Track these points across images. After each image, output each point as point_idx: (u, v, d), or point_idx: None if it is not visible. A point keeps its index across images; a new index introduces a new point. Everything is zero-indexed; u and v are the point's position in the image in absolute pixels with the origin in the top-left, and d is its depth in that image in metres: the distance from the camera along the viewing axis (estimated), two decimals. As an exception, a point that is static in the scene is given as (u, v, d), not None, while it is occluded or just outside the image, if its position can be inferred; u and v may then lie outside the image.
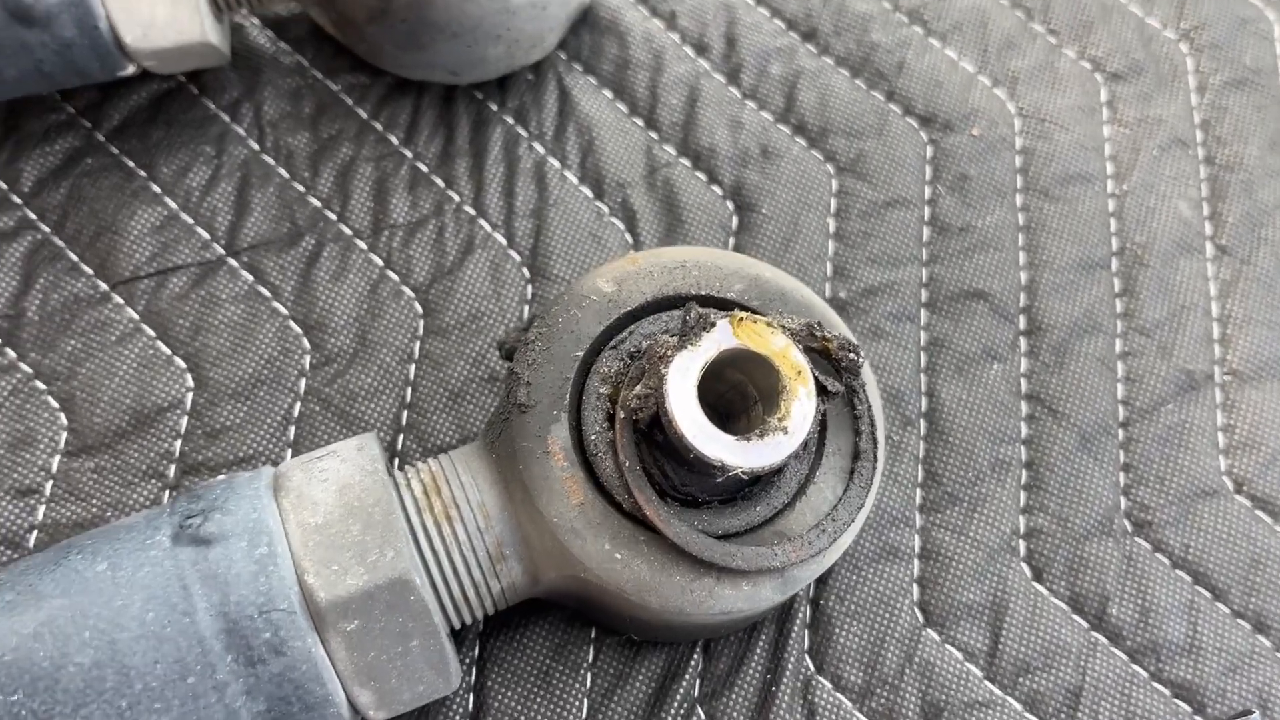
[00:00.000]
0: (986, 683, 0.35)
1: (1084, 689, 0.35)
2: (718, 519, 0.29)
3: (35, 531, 0.35)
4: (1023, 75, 0.43)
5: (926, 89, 0.42)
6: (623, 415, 0.28)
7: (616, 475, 0.29)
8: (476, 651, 0.35)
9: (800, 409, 0.27)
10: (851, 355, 0.29)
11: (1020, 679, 0.36)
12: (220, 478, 0.31)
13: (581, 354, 0.30)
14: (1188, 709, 0.35)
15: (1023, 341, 0.39)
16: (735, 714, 0.34)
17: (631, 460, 0.28)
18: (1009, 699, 0.35)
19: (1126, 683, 0.36)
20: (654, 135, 0.41)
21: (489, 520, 0.30)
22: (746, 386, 0.29)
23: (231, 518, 0.29)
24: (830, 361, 0.29)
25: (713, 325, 0.27)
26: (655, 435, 0.28)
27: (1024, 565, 0.37)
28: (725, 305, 0.30)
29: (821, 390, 0.28)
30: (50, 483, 0.36)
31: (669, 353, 0.27)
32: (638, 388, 0.27)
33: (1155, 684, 0.36)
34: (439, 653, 0.29)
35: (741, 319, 0.27)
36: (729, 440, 0.26)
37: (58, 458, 0.36)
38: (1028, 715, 0.35)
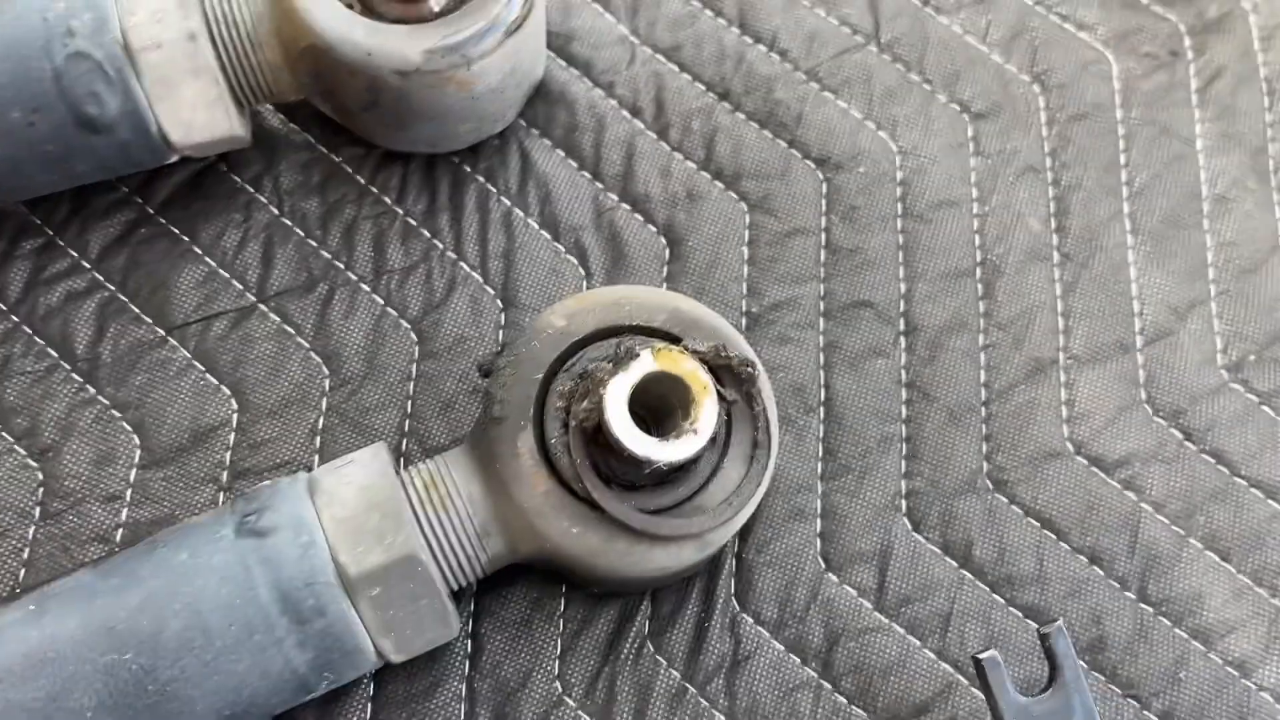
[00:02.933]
0: (875, 613, 0.44)
1: (953, 614, 0.44)
2: (650, 498, 0.37)
3: (120, 529, 0.44)
4: (902, 119, 0.51)
5: (821, 136, 0.51)
6: (574, 423, 0.36)
7: (571, 469, 0.36)
8: (472, 607, 0.43)
9: (706, 414, 0.35)
10: (748, 369, 0.37)
11: (903, 609, 0.44)
12: (266, 483, 0.39)
13: (541, 376, 0.38)
14: (1036, 625, 0.44)
15: (902, 340, 0.48)
16: (677, 646, 0.43)
17: (582, 458, 0.36)
18: (894, 625, 0.44)
19: (988, 608, 0.44)
20: (599, 185, 0.49)
21: (475, 506, 0.38)
22: (668, 398, 0.36)
23: (279, 514, 0.36)
24: (732, 375, 0.37)
25: (638, 355, 0.34)
26: (599, 439, 0.36)
27: (905, 519, 0.45)
28: (652, 333, 0.38)
29: (721, 398, 0.36)
30: (129, 490, 0.44)
31: (606, 377, 0.34)
32: (585, 403, 0.35)
33: (1010, 608, 0.44)
34: (442, 609, 0.37)
35: (660, 349, 0.35)
36: (653, 441, 0.34)
37: (134, 470, 0.44)
38: (910, 637, 0.44)
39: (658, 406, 0.37)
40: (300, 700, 0.38)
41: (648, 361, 0.34)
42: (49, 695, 0.34)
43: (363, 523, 0.36)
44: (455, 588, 0.39)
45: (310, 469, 0.41)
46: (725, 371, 0.37)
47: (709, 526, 0.37)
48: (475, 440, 0.39)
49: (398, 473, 0.39)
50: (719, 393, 0.36)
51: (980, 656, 0.37)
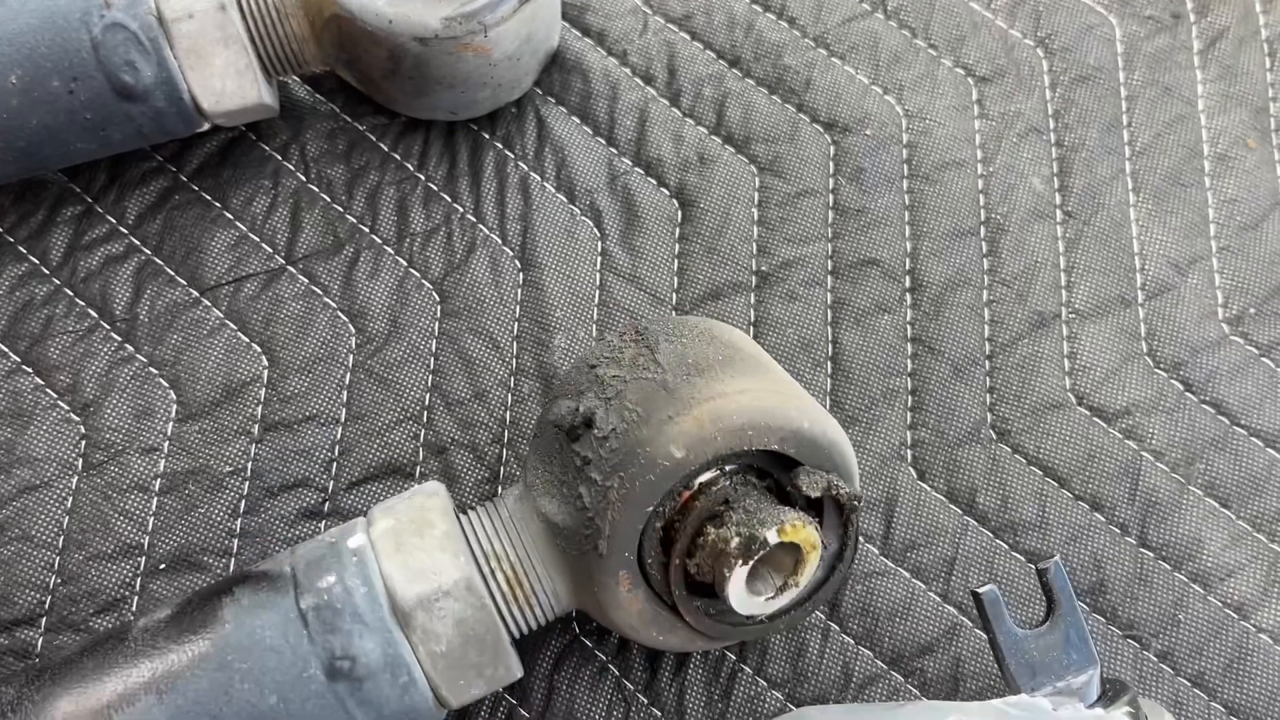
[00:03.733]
0: (882, 558, 0.46)
1: (957, 559, 0.46)
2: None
3: (158, 479, 0.46)
4: (908, 83, 0.53)
5: (829, 100, 0.52)
6: (678, 564, 0.36)
7: (666, 590, 0.36)
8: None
9: (810, 569, 0.36)
10: (854, 503, 0.36)
11: (908, 554, 0.46)
12: (333, 584, 0.36)
13: (651, 509, 0.35)
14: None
15: (908, 297, 0.49)
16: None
17: (682, 592, 0.36)
18: (899, 569, 0.45)
19: (991, 553, 0.46)
20: (613, 150, 0.51)
21: (559, 601, 0.38)
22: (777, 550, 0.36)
23: (374, 659, 0.35)
24: (836, 505, 0.37)
25: (768, 545, 0.34)
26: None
27: (910, 469, 0.47)
28: (766, 456, 0.36)
29: (824, 546, 0.37)
30: (167, 442, 0.46)
31: (732, 559, 0.34)
32: (698, 559, 0.35)
33: (1013, 553, 0.46)
34: (508, 669, 0.38)
35: (786, 530, 0.34)
36: (761, 601, 0.36)
37: (171, 423, 0.47)
38: (915, 581, 0.45)
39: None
40: None
41: (773, 538, 0.34)
42: None
43: (461, 658, 0.37)
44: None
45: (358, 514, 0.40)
46: (831, 502, 0.37)
47: (780, 631, 0.39)
48: (562, 542, 0.37)
49: (478, 563, 0.37)
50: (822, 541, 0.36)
51: (979, 591, 0.39)
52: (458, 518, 0.39)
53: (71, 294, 0.48)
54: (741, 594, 0.35)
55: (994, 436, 0.47)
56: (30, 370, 0.47)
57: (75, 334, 0.48)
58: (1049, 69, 0.53)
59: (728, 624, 0.38)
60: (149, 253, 0.49)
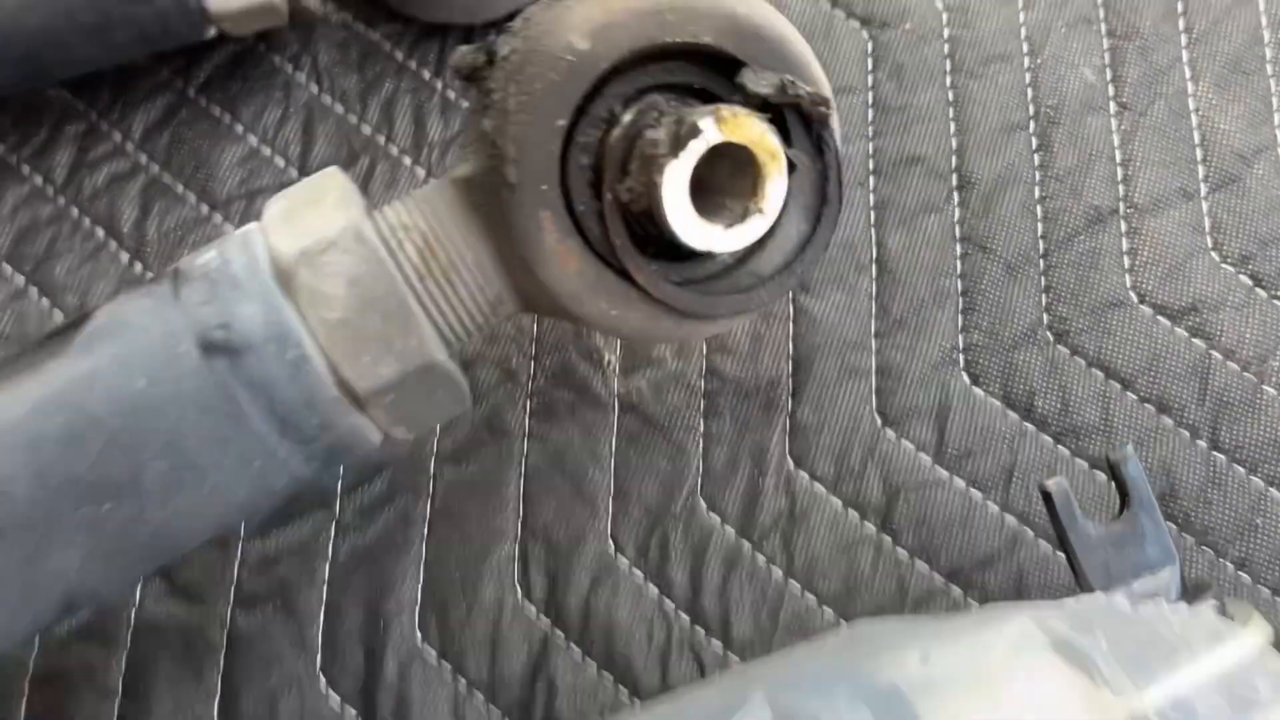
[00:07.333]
0: (936, 467, 0.43)
1: (1016, 467, 0.43)
2: (696, 266, 0.32)
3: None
4: (948, -24, 0.50)
5: (865, -6, 0.50)
6: (611, 198, 0.30)
7: (606, 243, 0.30)
8: (523, 465, 0.43)
9: (775, 189, 0.29)
10: (821, 109, 0.31)
11: (963, 462, 0.43)
12: (211, 258, 0.31)
13: (564, 123, 0.29)
14: (1102, 477, 0.43)
15: (955, 195, 0.46)
16: (730, 504, 0.42)
17: (623, 239, 0.30)
18: (955, 478, 0.43)
19: (1052, 460, 0.43)
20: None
21: (486, 277, 0.32)
22: (726, 165, 0.30)
23: (253, 326, 0.30)
24: (799, 114, 0.31)
25: (700, 132, 0.28)
26: (645, 223, 0.30)
27: (963, 374, 0.44)
28: (699, 54, 0.30)
29: (789, 165, 0.30)
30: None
31: (661, 159, 0.28)
32: (629, 182, 0.29)
33: (1076, 459, 0.43)
34: (458, 392, 0.33)
35: (724, 116, 0.28)
36: (718, 230, 0.29)
37: (182, 344, 0.45)
38: (972, 490, 0.43)
39: (709, 176, 0.30)
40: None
41: (711, 134, 0.28)
42: (24, 560, 0.30)
43: (361, 327, 0.30)
44: (459, 348, 0.34)
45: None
46: (791, 109, 0.31)
47: (768, 301, 0.32)
48: (475, 196, 0.31)
49: (373, 220, 0.32)
50: (788, 157, 0.30)
51: (1048, 485, 0.36)
52: (365, 203, 0.33)
53: (78, 212, 0.46)
54: (688, 215, 0.28)
55: (1051, 338, 0.44)
56: (37, 290, 0.45)
57: (82, 254, 0.46)
58: (1098, -43, 0.50)
59: (695, 287, 0.31)
60: (156, 169, 0.47)
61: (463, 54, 0.31)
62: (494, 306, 0.32)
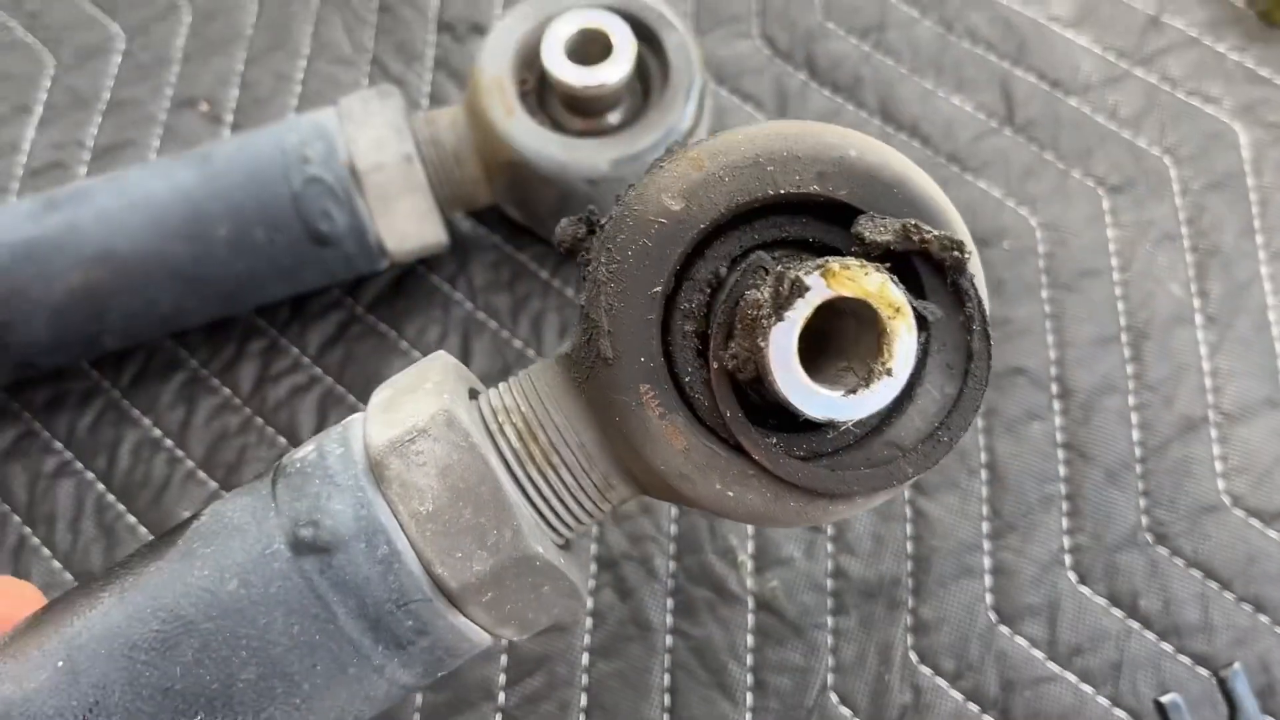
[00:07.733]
0: (1049, 663, 0.47)
1: (1124, 662, 0.46)
2: (823, 439, 0.28)
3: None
4: (1040, 196, 0.55)
5: (965, 215, 0.54)
6: (716, 366, 0.27)
7: (716, 414, 0.27)
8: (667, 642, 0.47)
9: (903, 347, 0.25)
10: (955, 254, 0.27)
11: (1074, 658, 0.47)
12: (310, 451, 0.30)
13: (660, 289, 0.27)
14: (1205, 672, 0.46)
15: (1056, 404, 0.51)
16: (859, 696, 0.46)
17: (733, 409, 0.27)
18: (1066, 673, 0.46)
19: (1157, 656, 0.46)
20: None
21: (591, 460, 0.30)
22: (844, 320, 0.27)
23: (342, 521, 0.28)
24: (931, 262, 0.27)
25: (806, 289, 0.25)
26: (763, 391, 0.27)
27: (1070, 574, 0.48)
28: (808, 204, 0.28)
29: (921, 320, 0.26)
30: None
31: (765, 321, 0.25)
32: (732, 347, 0.26)
33: (1180, 656, 0.46)
34: (569, 588, 0.31)
35: (834, 270, 0.25)
36: (837, 398, 0.26)
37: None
38: (1083, 685, 0.46)
39: (834, 338, 0.27)
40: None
41: (819, 291, 0.25)
42: None
43: (453, 519, 0.28)
44: (571, 539, 0.33)
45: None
46: (920, 257, 0.27)
47: (912, 475, 0.28)
48: (574, 373, 0.29)
49: (485, 425, 0.30)
50: (916, 311, 0.26)
51: (1163, 700, 0.39)
52: (471, 390, 0.32)
53: (262, 421, 0.52)
54: (799, 381, 0.25)
55: (1151, 540, 0.48)
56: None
57: (268, 460, 0.51)
58: (1178, 176, 0.55)
59: (823, 461, 0.28)
60: (331, 381, 0.52)
61: (564, 226, 0.30)
62: (602, 492, 0.30)
